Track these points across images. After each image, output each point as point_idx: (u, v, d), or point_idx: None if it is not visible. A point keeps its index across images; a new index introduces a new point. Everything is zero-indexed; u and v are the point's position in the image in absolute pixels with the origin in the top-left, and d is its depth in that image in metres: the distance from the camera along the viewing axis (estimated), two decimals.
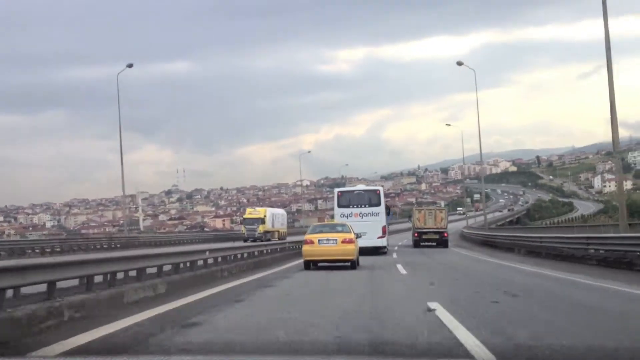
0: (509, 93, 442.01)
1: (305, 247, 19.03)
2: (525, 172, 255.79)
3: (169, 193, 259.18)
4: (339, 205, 30.18)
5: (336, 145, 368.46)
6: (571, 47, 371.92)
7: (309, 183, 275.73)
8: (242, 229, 54.68)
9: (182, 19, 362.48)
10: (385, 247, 30.38)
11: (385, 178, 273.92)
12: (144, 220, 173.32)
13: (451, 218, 58.26)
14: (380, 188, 33.48)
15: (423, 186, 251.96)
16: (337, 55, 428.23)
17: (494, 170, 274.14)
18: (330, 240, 18.66)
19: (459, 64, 44.06)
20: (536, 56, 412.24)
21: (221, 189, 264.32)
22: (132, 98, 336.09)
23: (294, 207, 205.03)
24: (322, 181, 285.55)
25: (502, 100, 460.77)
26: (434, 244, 38.44)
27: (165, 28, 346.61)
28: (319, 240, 18.78)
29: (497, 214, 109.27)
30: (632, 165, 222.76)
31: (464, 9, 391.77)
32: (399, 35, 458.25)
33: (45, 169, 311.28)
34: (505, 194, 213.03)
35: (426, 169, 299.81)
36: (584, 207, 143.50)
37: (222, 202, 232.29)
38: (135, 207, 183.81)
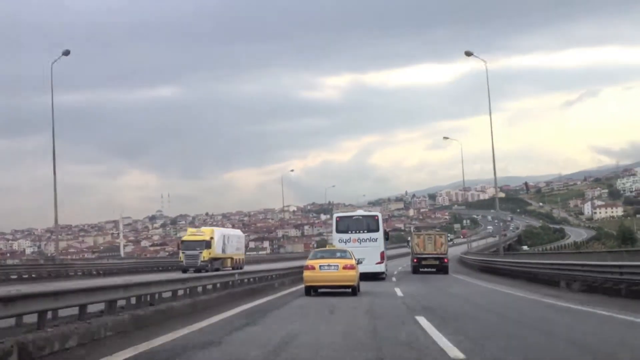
0: (494, 120, 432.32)
1: (306, 273, 18.96)
2: (514, 198, 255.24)
3: (153, 218, 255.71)
4: (338, 231, 30.08)
5: (323, 172, 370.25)
6: (556, 76, 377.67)
7: (295, 209, 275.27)
8: (180, 255, 42.21)
9: (167, 44, 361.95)
10: (384, 272, 30.05)
11: (372, 204, 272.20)
12: (125, 246, 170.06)
13: None
14: (379, 214, 33.10)
15: (411, 212, 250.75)
16: (323, 82, 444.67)
17: (481, 197, 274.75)
18: (331, 266, 18.65)
19: (468, 54, 40.51)
20: (521, 84, 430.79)
21: (206, 214, 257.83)
22: (117, 122, 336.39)
23: (280, 233, 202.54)
24: (308, 207, 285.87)
25: (487, 128, 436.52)
26: (434, 270, 37.16)
27: (151, 53, 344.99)
28: (320, 266, 18.71)
29: (490, 239, 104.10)
30: (622, 192, 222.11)
31: (449, 36, 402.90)
32: (384, 62, 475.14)
33: (28, 194, 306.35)
34: (495, 220, 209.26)
35: (414, 195, 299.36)
36: (576, 234, 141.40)
37: None
38: (117, 233, 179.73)
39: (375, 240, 29.83)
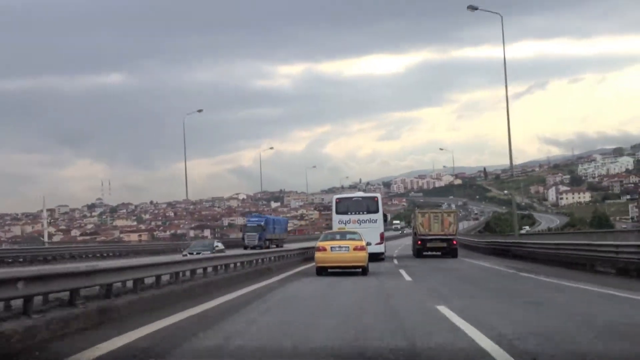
0: (445, 112, 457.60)
1: (318, 254, 19.63)
2: (472, 185, 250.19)
3: (92, 207, 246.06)
4: (337, 212, 30.32)
5: (276, 161, 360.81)
6: (506, 67, 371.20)
7: (245, 197, 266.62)
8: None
9: (116, 31, 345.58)
10: (383, 253, 30.11)
11: (326, 192, 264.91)
12: (53, 235, 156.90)
13: (388, 235, 50.99)
14: (378, 195, 33.50)
15: None
16: (276, 71, 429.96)
17: (437, 184, 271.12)
18: (342, 247, 19.45)
19: (472, 8, 37.19)
20: (472, 76, 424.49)
21: (150, 202, 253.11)
22: (62, 110, 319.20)
23: (226, 222, 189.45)
24: (259, 194, 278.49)
25: (438, 119, 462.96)
26: (439, 253, 33.88)
27: (99, 39, 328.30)
28: (331, 247, 19.50)
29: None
30: (583, 177, 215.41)
31: (402, 27, 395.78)
32: (337, 52, 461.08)
33: None
34: (454, 206, 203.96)
35: (368, 183, 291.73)
36: (546, 220, 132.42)
37: (147, 216, 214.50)
38: (42, 221, 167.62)
39: (375, 221, 30.05)
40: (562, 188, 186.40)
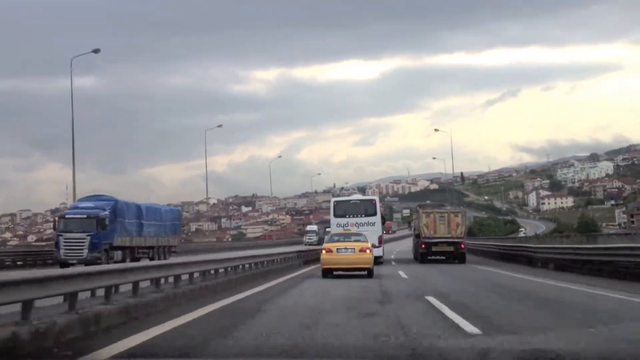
0: (419, 118, 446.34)
1: (323, 256, 19.68)
2: (450, 189, 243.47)
3: (55, 211, 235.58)
4: (335, 215, 30.40)
5: (250, 167, 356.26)
6: (480, 75, 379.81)
7: (216, 201, 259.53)
8: None
9: (88, 33, 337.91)
10: (381, 256, 29.70)
11: (299, 197, 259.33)
12: (9, 240, 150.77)
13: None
14: (376, 198, 34.77)
15: None
16: (251, 76, 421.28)
17: (412, 189, 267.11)
18: (348, 249, 19.41)
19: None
20: (446, 82, 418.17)
21: None
22: (34, 112, 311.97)
23: (193, 227, 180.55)
24: (230, 199, 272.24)
25: (412, 125, 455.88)
26: (443, 257, 31.58)
27: (72, 41, 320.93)
28: (337, 249, 19.47)
29: None
30: (563, 182, 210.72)
31: (377, 33, 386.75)
32: (312, 58, 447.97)
33: None
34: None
35: (342, 188, 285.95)
36: (531, 226, 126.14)
37: None
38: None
39: (373, 224, 29.94)
40: (543, 193, 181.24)
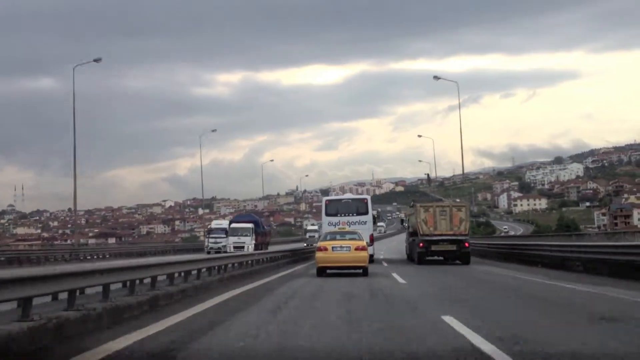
0: (383, 123, 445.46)
1: (319, 254, 19.60)
2: (415, 192, 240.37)
3: (2, 214, 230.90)
4: (327, 214, 30.66)
5: (213, 170, 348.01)
6: (441, 81, 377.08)
7: (173, 204, 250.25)
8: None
9: (49, 34, 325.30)
10: (372, 255, 28.49)
11: (260, 199, 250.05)
12: None
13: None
14: (368, 197, 34.74)
15: (302, 206, 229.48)
16: (215, 79, 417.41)
17: (377, 192, 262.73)
18: (344, 247, 19.40)
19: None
20: (409, 88, 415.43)
21: (69, 210, 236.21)
22: None
23: (144, 230, 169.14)
24: (188, 202, 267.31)
25: (376, 130, 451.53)
26: (441, 258, 28.58)
27: (30, 42, 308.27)
28: (332, 247, 19.45)
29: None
30: (532, 184, 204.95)
31: (342, 39, 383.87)
32: (277, 62, 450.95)
33: None
34: (400, 213, 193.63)
35: (305, 190, 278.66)
36: (508, 228, 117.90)
37: (56, 224, 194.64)
38: None
39: (365, 223, 29.95)
40: (515, 194, 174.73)
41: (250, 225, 45.96)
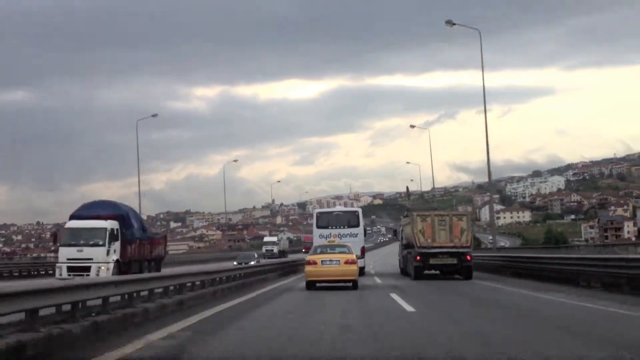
0: (360, 138, 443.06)
1: (308, 268, 19.38)
2: (394, 205, 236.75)
3: None
4: (318, 226, 30.36)
5: (188, 184, 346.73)
6: (419, 96, 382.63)
7: (145, 217, 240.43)
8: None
9: (21, 45, 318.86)
10: (363, 267, 28.63)
11: (236, 212, 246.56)
12: None
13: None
14: (359, 209, 34.09)
15: (278, 219, 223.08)
16: (191, 93, 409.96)
17: (355, 205, 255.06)
18: (333, 261, 19.12)
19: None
20: (386, 103, 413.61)
21: (37, 223, 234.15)
22: None
23: None
24: (162, 215, 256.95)
25: (353, 145, 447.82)
26: (438, 272, 26.52)
27: (4, 52, 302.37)
28: (322, 261, 19.16)
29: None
30: (513, 197, 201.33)
31: (319, 53, 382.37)
32: (254, 76, 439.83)
33: None
34: (379, 226, 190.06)
35: (281, 204, 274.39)
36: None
37: (19, 237, 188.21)
38: None
39: (356, 235, 29.76)
40: (497, 207, 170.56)
41: (106, 224, 24.56)
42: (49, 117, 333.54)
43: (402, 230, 31.61)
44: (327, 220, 30.45)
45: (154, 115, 54.20)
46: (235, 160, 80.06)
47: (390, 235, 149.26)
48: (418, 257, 25.68)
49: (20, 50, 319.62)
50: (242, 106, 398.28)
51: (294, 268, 33.04)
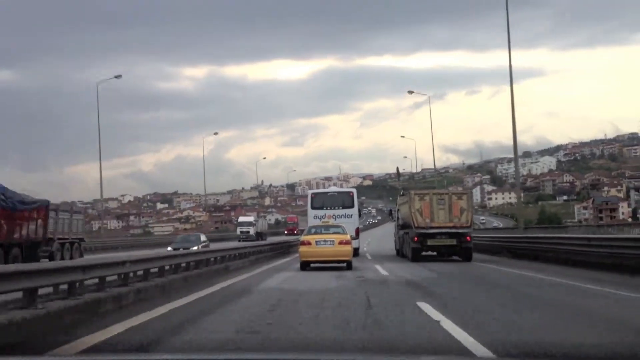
0: (349, 119, 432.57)
1: (302, 248, 19.36)
2: (384, 186, 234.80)
3: None
4: (313, 207, 30.44)
5: (178, 166, 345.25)
6: (408, 77, 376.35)
7: (132, 199, 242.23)
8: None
9: (6, 24, 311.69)
10: (357, 248, 29.50)
11: (224, 194, 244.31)
12: None
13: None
14: (354, 190, 34.10)
15: (267, 200, 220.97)
16: (179, 72, 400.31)
17: (344, 186, 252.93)
18: (327, 241, 19.25)
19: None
20: (375, 84, 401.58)
21: None
22: None
23: (95, 225, 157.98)
24: (148, 196, 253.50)
25: (342, 126, 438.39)
26: (435, 253, 25.44)
27: None
28: (316, 241, 19.23)
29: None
30: (504, 178, 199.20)
31: (308, 33, 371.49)
32: (243, 56, 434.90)
33: None
34: (369, 208, 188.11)
35: (270, 185, 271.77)
36: (487, 222, 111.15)
37: None
38: None
39: (351, 216, 30.07)
40: (488, 188, 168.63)
41: None
42: (35, 98, 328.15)
43: (398, 210, 31.27)
44: (322, 201, 30.77)
45: (118, 77, 52.57)
46: (216, 133, 78.42)
47: (379, 217, 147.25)
48: (416, 238, 25.15)
49: (4, 30, 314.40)
50: (231, 87, 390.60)
51: (268, 253, 28.61)
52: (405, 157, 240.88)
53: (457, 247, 24.95)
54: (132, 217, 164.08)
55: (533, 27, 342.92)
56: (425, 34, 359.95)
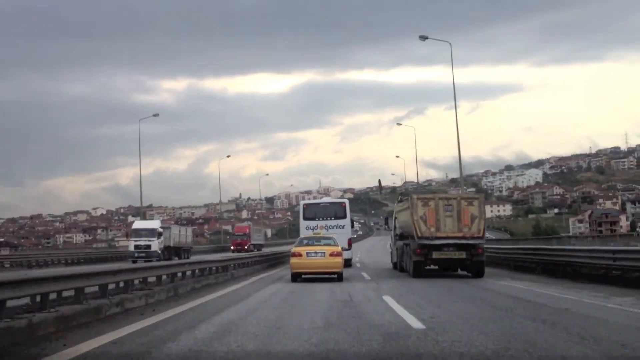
0: (329, 134, 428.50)
1: (293, 260, 19.24)
2: (365, 199, 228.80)
3: None
4: (305, 218, 30.57)
5: (155, 180, 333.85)
6: (388, 92, 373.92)
7: (105, 212, 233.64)
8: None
9: None
10: (350, 259, 30.07)
11: (200, 207, 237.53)
12: None
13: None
14: (346, 201, 33.73)
15: (244, 213, 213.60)
16: (158, 85, 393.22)
17: (324, 199, 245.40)
18: (318, 253, 19.10)
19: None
20: (356, 99, 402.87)
21: None
22: None
23: (60, 239, 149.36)
24: (122, 210, 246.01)
25: (322, 141, 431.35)
26: (436, 267, 22.96)
27: None
28: (307, 253, 19.09)
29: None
30: (489, 191, 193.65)
31: (288, 47, 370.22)
32: (223, 70, 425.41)
33: None
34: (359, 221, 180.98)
35: (249, 198, 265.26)
36: None
37: None
38: None
39: (343, 227, 30.02)
40: None
41: None
42: (9, 110, 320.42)
43: (395, 218, 28.44)
44: (314, 212, 30.67)
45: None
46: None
47: (361, 232, 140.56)
48: (419, 250, 22.52)
49: None
50: (210, 100, 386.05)
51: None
52: (392, 174, 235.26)
53: (467, 261, 22.02)
54: (99, 231, 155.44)
55: (512, 42, 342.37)
56: (404, 49, 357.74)
